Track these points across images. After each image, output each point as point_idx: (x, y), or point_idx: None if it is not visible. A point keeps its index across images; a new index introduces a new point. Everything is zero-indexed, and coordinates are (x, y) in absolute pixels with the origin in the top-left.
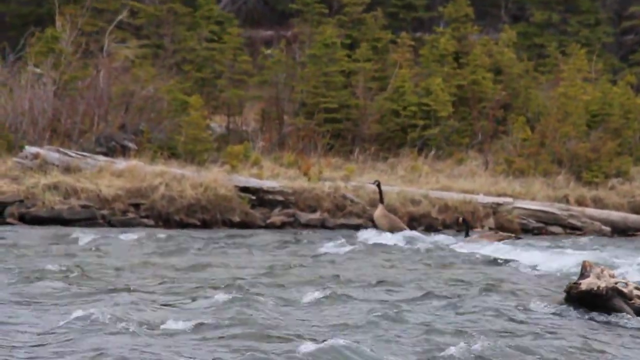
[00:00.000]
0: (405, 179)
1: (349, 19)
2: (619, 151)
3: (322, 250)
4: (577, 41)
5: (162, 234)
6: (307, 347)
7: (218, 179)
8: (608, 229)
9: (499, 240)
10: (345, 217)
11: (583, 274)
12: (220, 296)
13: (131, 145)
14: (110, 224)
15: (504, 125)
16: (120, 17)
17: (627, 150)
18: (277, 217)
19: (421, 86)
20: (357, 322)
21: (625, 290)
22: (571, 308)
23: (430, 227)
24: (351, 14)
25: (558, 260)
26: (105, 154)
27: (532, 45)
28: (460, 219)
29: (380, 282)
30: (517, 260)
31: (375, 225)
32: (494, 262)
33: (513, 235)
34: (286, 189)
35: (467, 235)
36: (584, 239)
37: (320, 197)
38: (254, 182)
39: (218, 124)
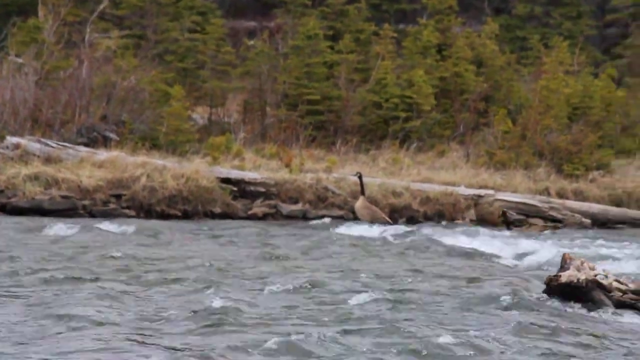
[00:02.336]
0: (387, 171)
1: (332, 11)
2: (600, 144)
3: (302, 240)
4: (559, 34)
5: (142, 224)
6: (279, 338)
7: (200, 170)
8: (588, 221)
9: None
10: (326, 209)
11: (563, 267)
12: (196, 286)
13: (113, 136)
14: (92, 215)
15: (486, 117)
16: (102, 7)
17: (608, 143)
18: (258, 208)
19: (403, 78)
20: (336, 314)
21: (605, 282)
22: (551, 300)
23: (412, 219)
24: (334, 6)
25: (539, 252)
26: (86, 145)
27: (515, 38)
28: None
29: (360, 274)
30: (497, 252)
31: (356, 217)
32: (474, 253)
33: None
34: (268, 180)
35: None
36: (564, 231)
37: (302, 189)
38: (235, 174)
39: (200, 115)
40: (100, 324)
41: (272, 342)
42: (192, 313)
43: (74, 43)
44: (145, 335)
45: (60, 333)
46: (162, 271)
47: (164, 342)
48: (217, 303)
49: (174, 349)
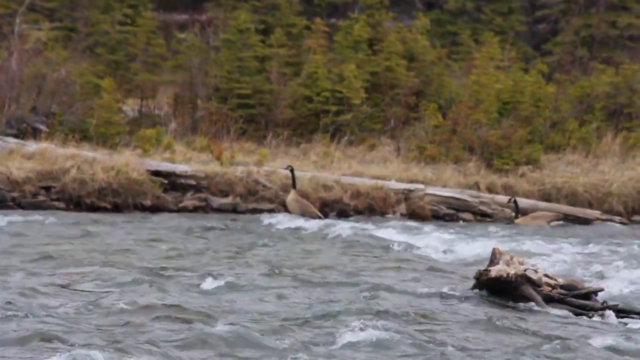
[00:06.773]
0: (318, 165)
1: (263, 5)
2: (530, 139)
3: (232, 234)
4: (490, 29)
5: (71, 217)
6: (204, 330)
7: (130, 162)
8: None
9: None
10: (257, 202)
11: (493, 261)
12: (123, 279)
13: (42, 127)
14: (21, 207)
15: (417, 112)
16: None
17: (538, 138)
18: (189, 201)
19: (334, 72)
20: (255, 306)
21: (534, 277)
22: (481, 294)
23: (342, 213)
24: (265, 0)
25: (469, 246)
26: (16, 136)
27: (446, 33)
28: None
29: (289, 268)
30: (427, 246)
31: (287, 210)
32: (404, 248)
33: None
34: (198, 173)
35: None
36: (494, 226)
37: (233, 182)
38: (166, 166)
39: (131, 107)
40: (25, 316)
41: (191, 333)
42: (106, 309)
43: (4, 34)
44: (65, 329)
45: None
46: (87, 265)
47: (82, 338)
48: (139, 298)
49: (90, 344)
